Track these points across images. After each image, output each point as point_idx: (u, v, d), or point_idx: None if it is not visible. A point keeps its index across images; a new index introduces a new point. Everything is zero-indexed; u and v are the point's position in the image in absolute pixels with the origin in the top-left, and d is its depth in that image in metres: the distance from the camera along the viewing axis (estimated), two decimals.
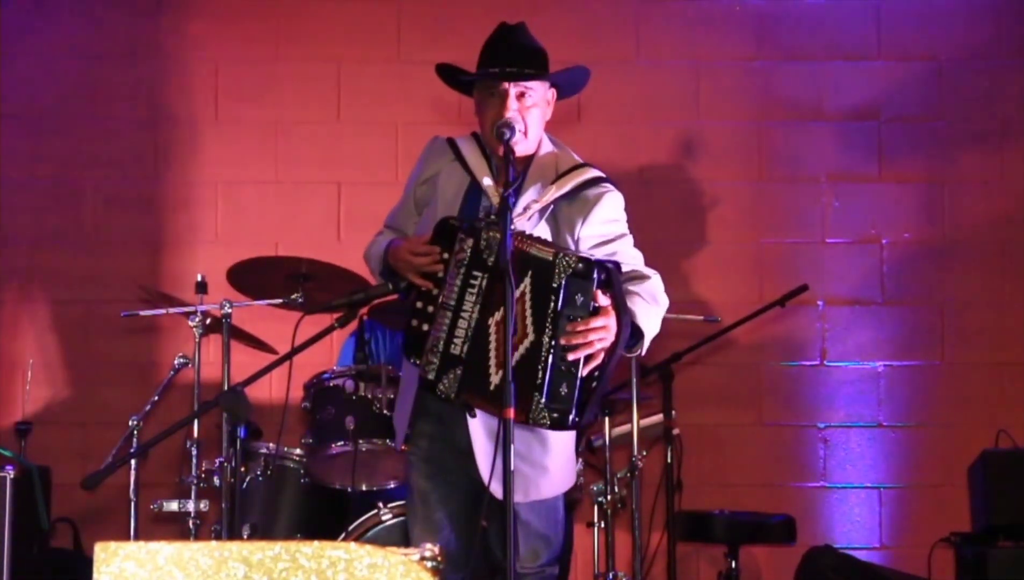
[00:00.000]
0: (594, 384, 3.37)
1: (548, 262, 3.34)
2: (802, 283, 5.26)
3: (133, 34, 5.94)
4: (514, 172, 3.50)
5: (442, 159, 3.72)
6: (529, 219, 3.57)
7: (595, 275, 3.33)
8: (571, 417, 3.34)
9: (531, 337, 3.32)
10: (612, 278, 3.38)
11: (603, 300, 3.34)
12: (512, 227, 3.39)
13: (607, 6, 6.01)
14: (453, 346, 3.40)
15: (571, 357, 3.31)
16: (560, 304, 3.32)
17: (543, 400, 3.30)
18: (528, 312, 3.34)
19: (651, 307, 3.57)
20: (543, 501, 3.65)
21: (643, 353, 3.62)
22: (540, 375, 3.31)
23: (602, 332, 3.33)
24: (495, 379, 3.34)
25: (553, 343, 3.31)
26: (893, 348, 5.88)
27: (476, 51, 3.76)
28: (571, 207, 3.62)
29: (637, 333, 3.50)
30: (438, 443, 3.64)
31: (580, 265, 3.33)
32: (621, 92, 5.78)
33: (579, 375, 3.32)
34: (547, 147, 3.71)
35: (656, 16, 6.00)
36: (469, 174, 3.65)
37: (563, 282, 3.32)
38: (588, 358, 3.34)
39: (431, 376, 3.43)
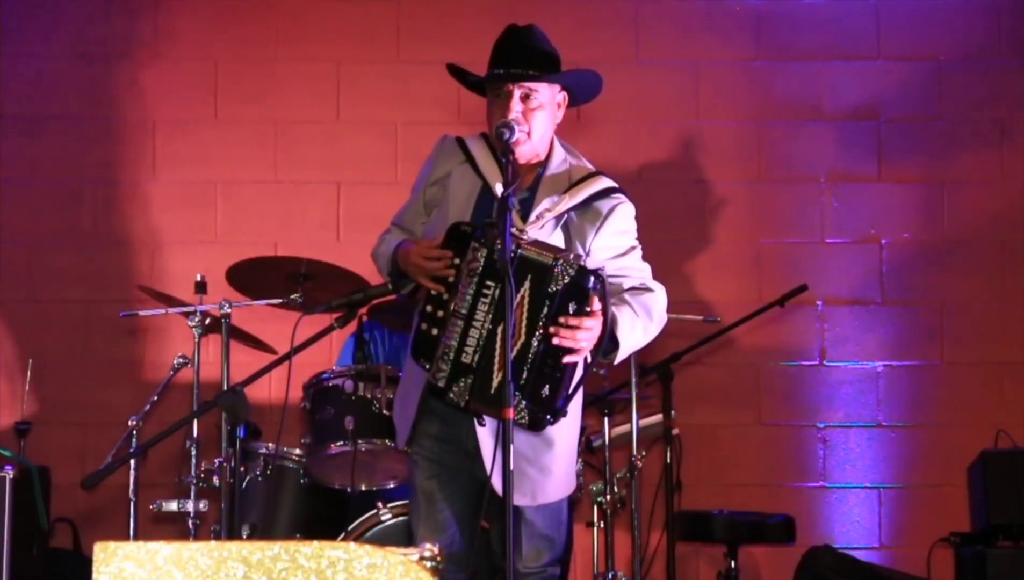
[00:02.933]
0: (571, 389, 3.42)
1: (547, 266, 3.36)
2: (802, 283, 5.26)
3: (133, 34, 5.94)
4: (513, 172, 3.49)
5: (452, 160, 3.70)
6: (542, 228, 3.57)
7: (591, 283, 3.36)
8: (547, 418, 3.39)
9: (523, 339, 3.35)
10: (604, 286, 3.41)
11: (596, 305, 3.37)
12: (525, 235, 3.43)
13: (607, 6, 6.01)
14: (464, 355, 3.41)
15: (555, 341, 3.34)
16: (553, 310, 3.35)
17: (524, 401, 3.34)
18: (525, 315, 3.36)
19: (638, 320, 3.57)
20: (548, 503, 3.66)
21: (615, 363, 3.62)
22: (525, 376, 3.35)
23: (590, 333, 3.36)
24: (496, 382, 3.36)
25: (542, 346, 3.34)
26: (892, 348, 5.88)
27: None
28: (584, 218, 3.62)
29: (615, 342, 3.51)
30: (443, 443, 3.64)
31: (577, 272, 3.36)
32: (621, 92, 5.77)
33: (562, 378, 3.36)
34: (559, 154, 3.70)
35: (656, 16, 6.00)
36: (480, 178, 3.64)
37: (559, 289, 3.35)
38: (570, 352, 3.37)
39: (441, 384, 3.43)
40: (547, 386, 3.36)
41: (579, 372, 3.44)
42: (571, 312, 3.35)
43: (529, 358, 3.35)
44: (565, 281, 3.35)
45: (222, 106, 5.92)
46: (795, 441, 5.85)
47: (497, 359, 3.36)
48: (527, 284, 3.36)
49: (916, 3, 6.01)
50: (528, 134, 3.57)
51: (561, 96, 3.68)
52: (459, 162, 3.69)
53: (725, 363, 5.81)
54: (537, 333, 3.35)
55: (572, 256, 3.42)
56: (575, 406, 3.60)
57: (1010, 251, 5.91)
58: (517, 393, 3.33)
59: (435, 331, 3.44)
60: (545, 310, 3.35)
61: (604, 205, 3.64)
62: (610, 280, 3.54)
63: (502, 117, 3.54)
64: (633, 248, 3.68)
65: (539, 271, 3.36)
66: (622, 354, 3.57)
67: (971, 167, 5.95)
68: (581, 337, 3.36)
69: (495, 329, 3.38)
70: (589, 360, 3.44)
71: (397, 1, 5.96)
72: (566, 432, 3.62)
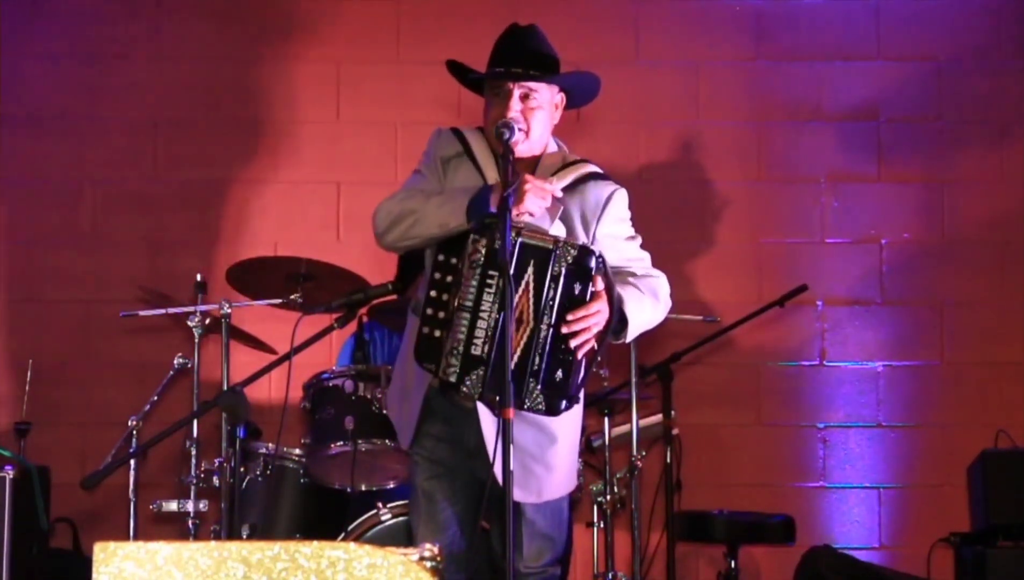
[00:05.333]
0: (583, 370, 3.44)
1: (548, 250, 3.39)
2: (801, 283, 5.26)
3: (133, 34, 5.94)
4: (514, 172, 3.50)
5: (451, 148, 3.70)
6: (532, 214, 3.57)
7: (592, 263, 3.39)
8: (562, 403, 3.41)
9: (531, 325, 3.36)
10: (605, 265, 3.44)
11: (599, 284, 3.41)
12: (520, 222, 3.43)
13: (607, 6, 6.01)
14: (474, 347, 3.40)
15: (572, 343, 3.37)
16: (559, 292, 3.37)
17: (539, 386, 3.37)
18: (531, 302, 3.37)
19: (645, 298, 3.60)
20: (550, 501, 3.66)
21: (626, 340, 3.63)
22: (537, 362, 3.36)
23: (598, 317, 3.40)
24: (509, 370, 3.36)
25: (551, 330, 3.36)
26: (892, 348, 5.88)
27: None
28: (584, 207, 3.63)
29: (624, 321, 3.53)
30: (444, 443, 3.64)
31: (579, 253, 3.39)
32: (621, 92, 5.77)
33: (573, 361, 3.38)
34: (552, 148, 3.71)
35: (656, 16, 6.00)
36: (479, 172, 3.63)
37: (562, 270, 3.38)
38: (582, 343, 3.40)
39: (452, 378, 3.42)
40: (560, 370, 3.39)
41: (589, 348, 3.44)
42: (576, 293, 3.38)
43: (539, 344, 3.37)
44: (568, 262, 3.38)
45: (223, 106, 5.91)
46: (795, 441, 5.85)
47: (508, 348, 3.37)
48: (530, 270, 3.38)
49: (916, 3, 6.01)
50: (526, 134, 3.58)
51: (559, 97, 3.69)
52: (458, 153, 3.69)
53: (725, 363, 5.81)
54: (545, 318, 3.37)
55: (571, 238, 3.44)
56: (576, 405, 3.61)
57: (1010, 251, 5.91)
58: (531, 379, 3.35)
59: (437, 333, 3.44)
60: (550, 294, 3.37)
61: (602, 193, 3.66)
62: (617, 270, 3.56)
63: (501, 116, 3.55)
64: (632, 237, 3.71)
65: (541, 256, 3.38)
66: (632, 332, 3.59)
67: (971, 167, 5.95)
68: (592, 322, 3.39)
69: (502, 318, 3.38)
70: (599, 343, 3.45)
71: (397, 1, 5.96)
72: (568, 429, 3.63)
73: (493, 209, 3.37)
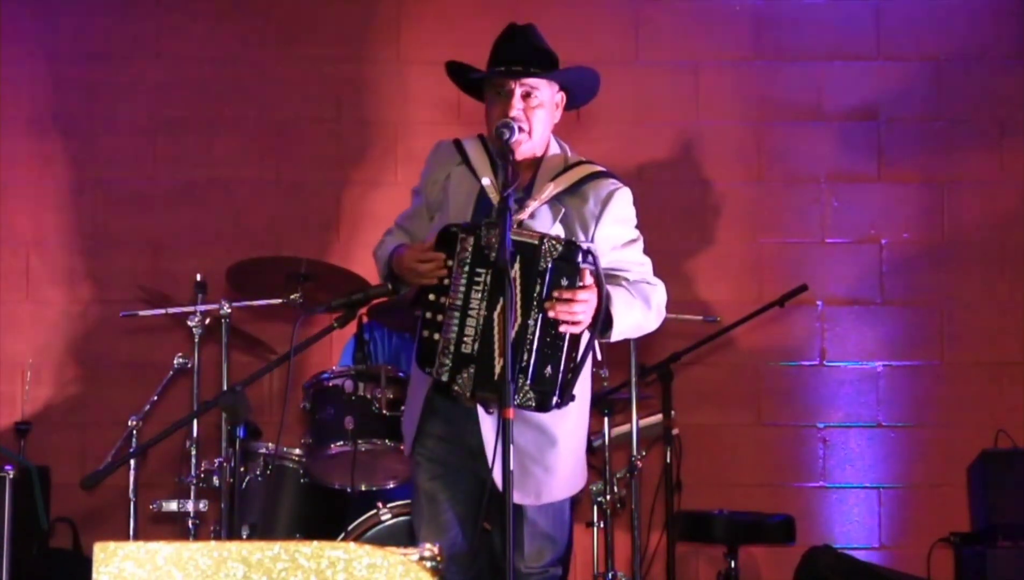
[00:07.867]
0: (573, 366, 3.41)
1: (534, 246, 3.38)
2: (801, 283, 5.26)
3: (133, 34, 5.94)
4: (514, 172, 3.49)
5: (450, 162, 3.71)
6: (532, 217, 3.57)
7: (579, 258, 3.37)
8: (554, 399, 3.38)
9: (519, 321, 3.35)
10: (595, 260, 3.41)
11: (588, 279, 3.38)
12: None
13: (607, 6, 6.01)
14: (464, 345, 3.40)
15: (551, 314, 3.34)
16: (546, 287, 3.36)
17: (528, 382, 3.35)
18: (518, 297, 3.36)
19: (635, 302, 3.58)
20: (552, 502, 3.66)
21: (610, 341, 3.61)
22: (526, 358, 3.35)
23: (586, 305, 3.36)
24: (498, 368, 3.36)
25: (539, 326, 3.35)
26: (892, 348, 5.88)
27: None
28: (584, 208, 3.62)
29: (609, 320, 3.50)
30: (446, 443, 3.64)
31: (564, 248, 3.37)
32: (621, 92, 5.77)
33: (562, 357, 3.36)
34: (554, 149, 3.71)
35: (656, 16, 6.00)
36: (478, 179, 3.64)
37: (549, 265, 3.36)
38: (573, 338, 3.37)
39: (444, 377, 3.42)
40: (549, 366, 3.36)
41: (580, 352, 3.42)
42: (564, 287, 3.35)
43: (527, 339, 3.35)
44: (554, 256, 3.36)
45: (222, 106, 5.91)
46: (795, 441, 5.85)
47: (496, 345, 3.36)
48: (517, 266, 3.36)
49: (916, 3, 6.01)
50: (528, 133, 3.58)
51: (560, 96, 3.69)
52: (456, 164, 3.69)
53: (725, 363, 5.81)
54: (533, 313, 3.35)
55: (557, 235, 3.43)
56: (582, 406, 3.60)
57: (1010, 251, 5.91)
58: (520, 375, 3.33)
59: (436, 336, 3.44)
60: (537, 289, 3.36)
61: (602, 192, 3.64)
62: (611, 273, 3.55)
63: (503, 115, 3.55)
64: (633, 241, 3.68)
65: (527, 251, 3.37)
66: (617, 333, 3.55)
67: (971, 167, 5.95)
68: (578, 309, 3.36)
69: (491, 316, 3.38)
70: (587, 337, 3.43)
71: (397, 1, 5.96)
72: (571, 432, 3.62)
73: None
